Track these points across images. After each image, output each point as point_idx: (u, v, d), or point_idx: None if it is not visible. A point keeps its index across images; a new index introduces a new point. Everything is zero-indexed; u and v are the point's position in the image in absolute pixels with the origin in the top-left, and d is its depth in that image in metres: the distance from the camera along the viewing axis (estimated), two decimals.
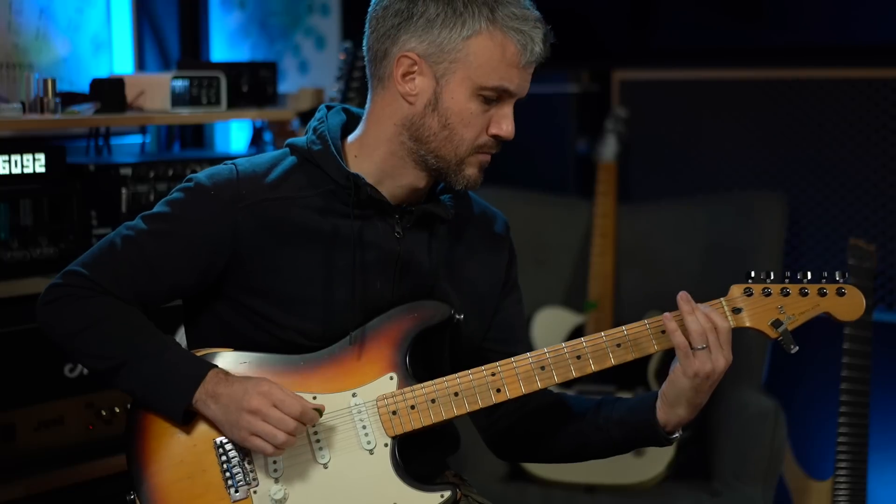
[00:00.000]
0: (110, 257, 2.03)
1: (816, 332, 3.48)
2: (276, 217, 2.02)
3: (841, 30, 3.67)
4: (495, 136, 2.01)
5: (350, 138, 2.09)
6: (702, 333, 1.95)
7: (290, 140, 2.12)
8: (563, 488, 3.38)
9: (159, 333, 2.03)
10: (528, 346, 2.19)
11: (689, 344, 1.96)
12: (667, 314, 1.98)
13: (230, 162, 2.08)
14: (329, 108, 2.14)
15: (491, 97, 1.99)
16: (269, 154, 2.12)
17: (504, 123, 2.01)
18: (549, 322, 3.57)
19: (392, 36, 2.00)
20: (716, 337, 1.96)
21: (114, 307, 2.00)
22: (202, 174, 2.07)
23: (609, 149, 3.80)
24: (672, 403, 2.00)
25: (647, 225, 3.71)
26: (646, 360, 3.41)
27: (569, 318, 3.58)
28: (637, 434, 2.06)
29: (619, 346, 2.01)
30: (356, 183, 2.02)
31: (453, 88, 1.98)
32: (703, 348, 1.95)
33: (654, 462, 3.37)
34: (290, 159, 2.08)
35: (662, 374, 3.43)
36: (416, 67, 1.99)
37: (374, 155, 2.05)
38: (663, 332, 1.99)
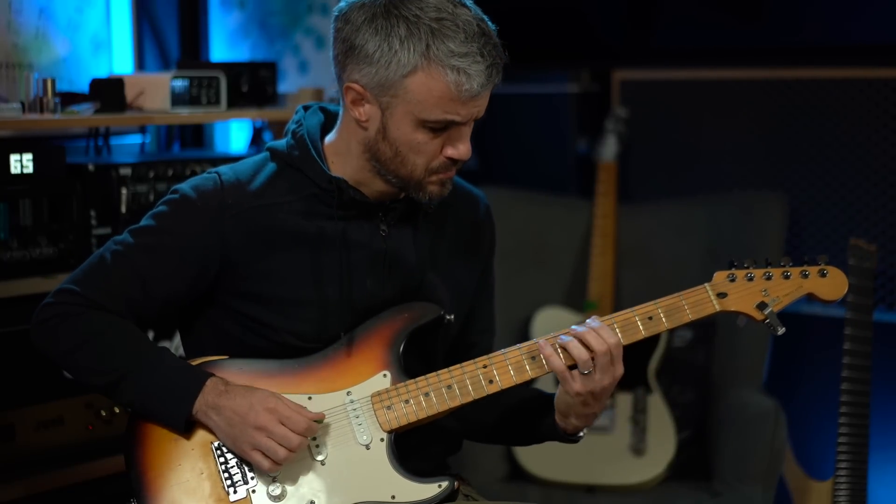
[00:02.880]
0: (100, 272, 2.03)
1: (816, 333, 3.51)
2: (264, 224, 2.03)
3: (841, 30, 3.66)
4: (451, 158, 2.00)
5: (328, 139, 2.09)
6: (587, 361, 1.97)
7: (269, 144, 2.12)
8: (563, 488, 3.38)
9: (154, 345, 2.04)
10: (489, 332, 2.25)
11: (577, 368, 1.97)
12: (540, 341, 2.00)
13: (213, 171, 2.09)
14: (306, 108, 2.14)
15: (438, 127, 1.97)
16: (251, 160, 2.12)
17: (459, 146, 1.99)
18: (549, 322, 3.56)
19: (340, 63, 2.00)
20: (609, 360, 1.97)
21: (108, 321, 2.01)
22: (186, 185, 2.07)
23: (609, 149, 3.79)
24: (564, 414, 2.05)
25: (647, 225, 3.71)
26: (646, 359, 3.41)
27: (569, 318, 3.57)
28: (549, 436, 2.12)
29: None
30: (339, 186, 2.02)
31: (398, 120, 1.97)
32: (588, 373, 1.97)
33: (654, 462, 3.37)
34: (272, 165, 2.08)
35: (662, 373, 3.43)
36: (362, 97, 1.98)
37: (347, 164, 2.06)
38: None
